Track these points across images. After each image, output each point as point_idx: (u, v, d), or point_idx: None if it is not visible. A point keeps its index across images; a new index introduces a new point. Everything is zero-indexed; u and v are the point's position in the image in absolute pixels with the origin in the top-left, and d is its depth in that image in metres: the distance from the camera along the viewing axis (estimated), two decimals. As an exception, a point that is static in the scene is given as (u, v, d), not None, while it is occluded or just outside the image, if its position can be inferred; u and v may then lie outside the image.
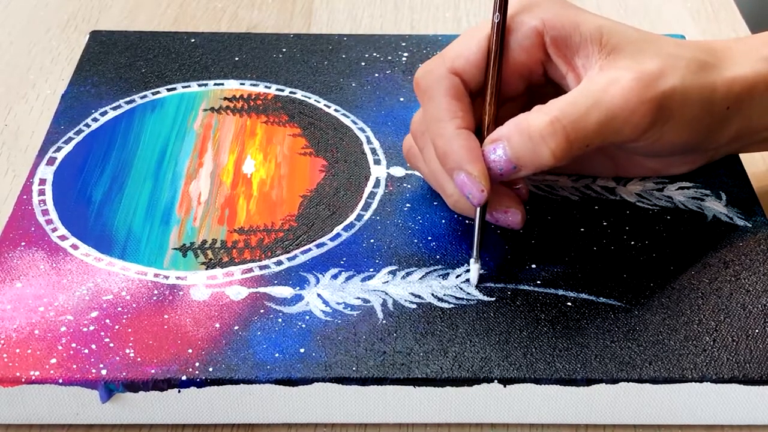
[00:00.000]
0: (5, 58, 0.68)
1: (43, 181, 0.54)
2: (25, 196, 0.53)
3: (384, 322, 0.46)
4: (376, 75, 0.62)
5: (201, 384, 0.44)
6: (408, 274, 0.49)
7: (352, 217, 0.52)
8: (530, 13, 0.50)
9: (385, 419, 0.45)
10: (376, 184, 0.54)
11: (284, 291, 0.48)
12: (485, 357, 0.45)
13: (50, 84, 0.65)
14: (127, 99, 0.60)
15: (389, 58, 0.64)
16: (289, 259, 0.50)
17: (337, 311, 0.47)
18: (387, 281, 0.48)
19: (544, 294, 0.48)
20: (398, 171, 0.55)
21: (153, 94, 0.61)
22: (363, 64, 0.63)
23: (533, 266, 0.49)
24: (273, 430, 0.45)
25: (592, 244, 0.51)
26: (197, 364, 0.44)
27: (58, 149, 0.56)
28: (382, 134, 0.58)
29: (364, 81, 0.62)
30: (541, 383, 0.44)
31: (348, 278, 0.49)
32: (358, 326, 0.46)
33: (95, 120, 0.58)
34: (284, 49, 0.64)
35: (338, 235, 0.51)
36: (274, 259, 0.50)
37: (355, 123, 0.59)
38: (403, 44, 0.65)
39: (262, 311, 0.47)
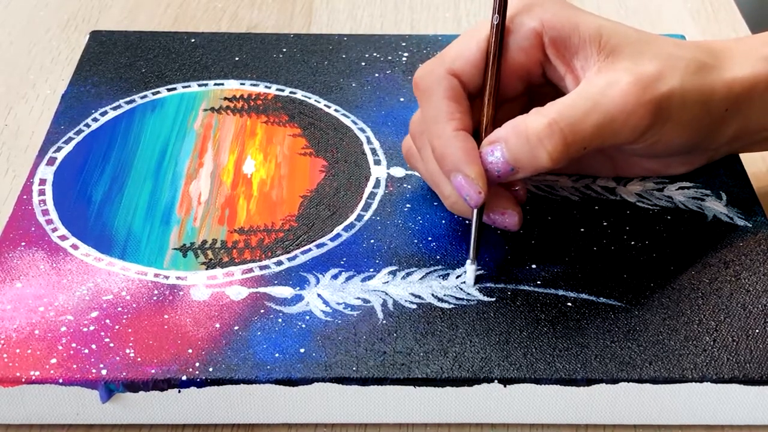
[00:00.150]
0: (5, 58, 0.68)
1: (43, 181, 0.54)
2: (25, 196, 0.53)
3: (384, 322, 0.46)
4: (376, 75, 0.62)
5: (201, 384, 0.44)
6: (408, 274, 0.49)
7: (352, 218, 0.52)
8: (529, 14, 0.50)
9: (385, 419, 0.45)
10: (377, 185, 0.54)
11: (284, 291, 0.48)
12: (485, 357, 0.45)
13: (50, 84, 0.65)
14: (127, 99, 0.60)
15: (389, 58, 0.64)
16: (289, 260, 0.50)
17: (337, 311, 0.47)
18: (387, 281, 0.48)
19: (544, 294, 0.48)
20: (398, 171, 0.55)
21: (153, 94, 0.61)
22: (363, 64, 0.63)
23: (533, 266, 0.49)
24: (273, 430, 0.45)
25: (592, 244, 0.51)
26: (197, 364, 0.44)
27: (58, 149, 0.56)
28: (382, 134, 0.58)
29: (364, 81, 0.62)
30: (541, 383, 0.44)
31: (348, 278, 0.49)
32: (359, 326, 0.46)
33: (95, 120, 0.58)
34: (284, 49, 0.64)
35: (338, 235, 0.51)
36: (275, 259, 0.50)
37: (356, 123, 0.59)
38: (403, 44, 0.65)
39: (262, 311, 0.47)
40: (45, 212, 0.52)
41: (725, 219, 0.52)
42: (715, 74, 0.49)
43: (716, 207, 0.53)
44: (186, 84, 0.61)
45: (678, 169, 0.54)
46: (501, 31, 0.50)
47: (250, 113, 0.59)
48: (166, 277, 0.49)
